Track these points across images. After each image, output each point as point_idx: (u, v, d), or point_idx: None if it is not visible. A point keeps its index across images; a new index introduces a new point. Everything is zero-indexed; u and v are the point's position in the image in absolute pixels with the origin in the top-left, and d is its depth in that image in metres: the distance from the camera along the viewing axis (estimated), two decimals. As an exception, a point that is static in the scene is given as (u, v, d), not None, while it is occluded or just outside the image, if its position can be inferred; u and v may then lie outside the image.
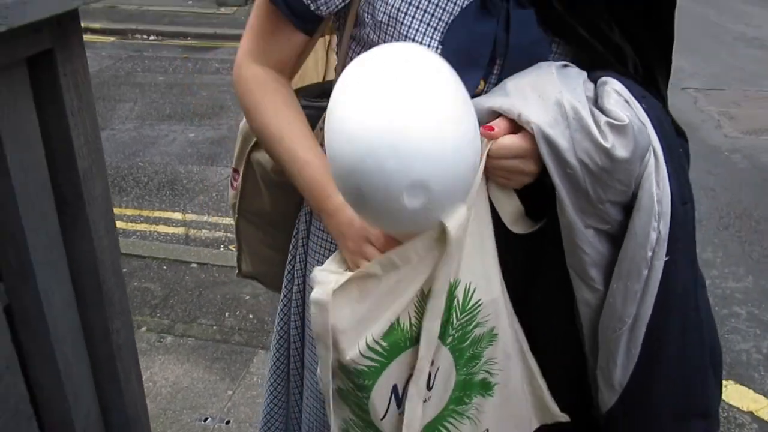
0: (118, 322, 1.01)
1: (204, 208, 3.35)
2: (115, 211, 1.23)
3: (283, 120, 0.80)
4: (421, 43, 0.73)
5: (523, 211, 0.77)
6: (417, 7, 0.73)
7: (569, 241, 0.74)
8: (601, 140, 0.67)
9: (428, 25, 0.73)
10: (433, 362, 0.73)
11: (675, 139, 0.77)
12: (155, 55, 6.14)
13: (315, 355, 0.95)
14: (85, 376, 0.96)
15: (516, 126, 0.69)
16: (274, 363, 1.09)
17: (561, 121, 0.67)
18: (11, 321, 0.79)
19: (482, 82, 0.77)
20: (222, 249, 2.95)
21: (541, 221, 0.78)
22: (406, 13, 0.73)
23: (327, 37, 1.00)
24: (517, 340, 0.82)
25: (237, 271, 1.18)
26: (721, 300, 2.75)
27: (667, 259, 0.72)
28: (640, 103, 0.71)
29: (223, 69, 5.76)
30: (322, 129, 0.77)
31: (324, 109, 0.64)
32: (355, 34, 0.79)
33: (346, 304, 0.68)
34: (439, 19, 0.73)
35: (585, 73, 0.74)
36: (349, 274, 0.69)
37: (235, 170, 1.03)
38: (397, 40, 0.74)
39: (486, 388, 0.82)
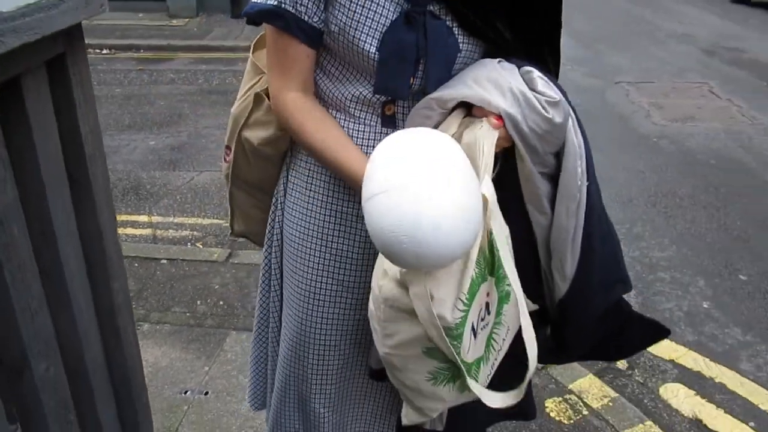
0: (117, 283, 1.21)
1: (169, 210, 3.50)
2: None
3: (324, 133, 1.02)
4: (362, 47, 0.95)
5: None
6: (357, 21, 0.95)
7: (528, 182, 0.98)
8: (544, 113, 0.92)
9: (367, 35, 0.95)
10: (488, 294, 0.94)
11: (570, 104, 1.01)
12: (109, 68, 6.23)
13: (297, 291, 1.17)
14: (93, 326, 1.15)
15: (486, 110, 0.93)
16: (259, 300, 1.31)
17: (515, 103, 0.92)
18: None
19: (411, 78, 1.00)
20: (189, 246, 3.12)
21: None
22: (350, 26, 0.96)
23: None
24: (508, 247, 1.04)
25: (230, 232, 1.38)
26: (648, 267, 3.06)
27: (588, 183, 0.99)
28: (550, 80, 0.96)
29: (178, 79, 5.90)
30: None
31: None
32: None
33: (441, 283, 0.87)
34: (375, 30, 0.95)
35: (515, 66, 0.98)
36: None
37: (228, 147, 1.23)
38: (345, 47, 0.97)
39: (508, 296, 1.00)
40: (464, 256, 0.87)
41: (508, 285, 0.95)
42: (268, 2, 0.97)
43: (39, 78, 0.94)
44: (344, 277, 1.13)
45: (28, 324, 0.94)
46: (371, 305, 0.97)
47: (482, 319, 0.96)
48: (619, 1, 10.75)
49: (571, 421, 2.12)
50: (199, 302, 2.62)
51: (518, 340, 0.98)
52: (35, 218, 0.97)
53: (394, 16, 0.95)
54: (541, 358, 1.15)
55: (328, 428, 1.26)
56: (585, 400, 2.21)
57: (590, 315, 1.10)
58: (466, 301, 0.91)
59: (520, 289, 0.92)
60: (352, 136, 1.05)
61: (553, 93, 0.94)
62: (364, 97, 1.03)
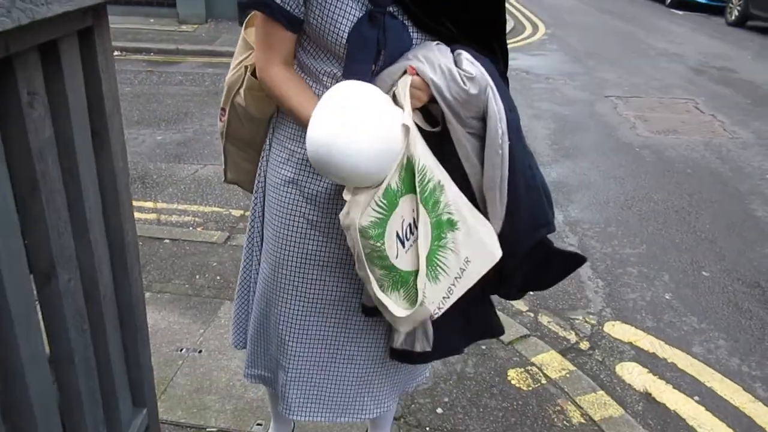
0: (127, 224, 1.43)
1: (173, 198, 3.74)
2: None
3: (296, 96, 1.25)
4: (335, 40, 1.19)
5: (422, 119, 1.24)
6: (331, 18, 1.18)
7: (459, 141, 1.21)
8: (462, 85, 1.15)
9: (338, 30, 1.18)
10: (414, 210, 1.16)
11: (497, 76, 1.22)
12: (120, 68, 6.50)
13: (273, 230, 1.40)
14: (105, 255, 1.38)
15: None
16: (245, 246, 1.54)
17: (442, 75, 1.15)
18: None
19: (373, 66, 1.23)
20: (191, 229, 3.35)
21: (436, 127, 1.25)
22: (325, 22, 1.19)
23: None
24: (459, 193, 1.23)
25: (224, 179, 1.61)
26: (618, 262, 3.27)
27: (510, 143, 1.20)
28: (478, 61, 1.19)
29: (186, 81, 6.16)
30: None
31: None
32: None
33: (362, 192, 1.12)
34: (345, 26, 1.18)
35: (449, 49, 1.21)
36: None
37: (222, 109, 1.46)
38: (321, 37, 1.20)
39: (452, 224, 1.19)
40: (379, 171, 1.09)
41: (449, 213, 1.17)
42: None
43: (72, 43, 1.18)
44: (313, 216, 1.35)
45: (56, 240, 1.17)
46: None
47: (411, 233, 1.17)
48: (615, 21, 11.06)
49: (530, 388, 2.33)
50: (197, 276, 2.84)
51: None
52: (64, 156, 1.20)
53: (360, 14, 1.18)
54: (487, 290, 1.39)
55: (294, 359, 1.48)
56: (545, 372, 2.42)
57: (520, 250, 1.31)
58: (382, 205, 1.13)
59: (476, 224, 1.15)
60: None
61: (473, 70, 1.15)
62: (335, 74, 1.26)
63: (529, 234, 1.30)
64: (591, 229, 3.60)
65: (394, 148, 1.10)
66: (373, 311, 1.33)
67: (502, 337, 2.58)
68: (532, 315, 2.82)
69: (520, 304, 2.87)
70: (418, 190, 1.14)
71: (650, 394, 2.37)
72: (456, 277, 1.25)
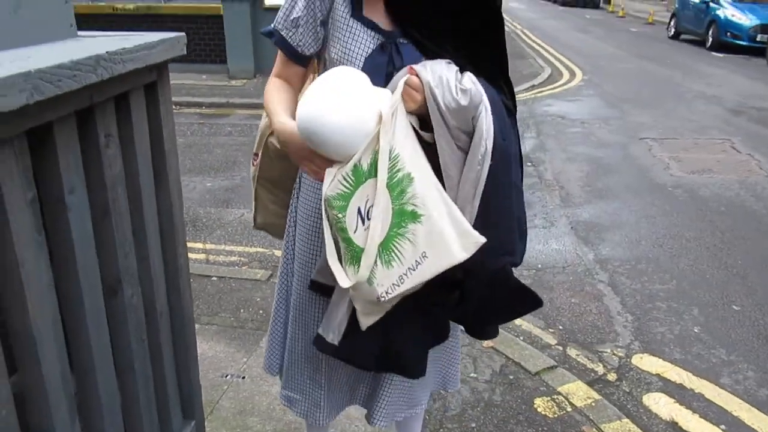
0: (181, 250, 1.64)
1: (221, 240, 3.99)
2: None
3: (270, 102, 1.46)
4: (350, 65, 1.39)
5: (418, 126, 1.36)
6: (350, 50, 1.39)
7: (440, 146, 1.30)
8: (454, 94, 1.27)
9: (354, 59, 1.39)
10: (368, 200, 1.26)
11: (500, 105, 1.35)
12: (175, 121, 6.92)
13: (302, 265, 1.58)
14: (162, 279, 1.58)
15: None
16: (279, 277, 1.72)
17: (438, 81, 1.28)
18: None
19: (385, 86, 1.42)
20: (237, 267, 3.58)
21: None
22: (344, 54, 1.40)
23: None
24: (436, 188, 1.27)
25: (253, 224, 1.81)
26: (647, 297, 3.33)
27: (491, 162, 1.29)
28: (482, 85, 1.31)
29: (235, 132, 6.54)
30: None
31: None
32: (324, 62, 1.47)
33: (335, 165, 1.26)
34: (360, 56, 1.39)
35: (456, 67, 1.33)
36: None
37: (255, 154, 1.67)
38: (341, 65, 1.41)
39: (415, 216, 1.23)
40: (349, 147, 1.23)
41: (414, 205, 1.24)
42: (271, 26, 1.45)
43: (140, 95, 1.41)
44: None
45: (122, 259, 1.38)
46: None
47: (371, 209, 1.26)
48: (653, 65, 11.14)
49: (555, 416, 2.41)
50: (242, 310, 3.05)
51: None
52: (131, 189, 1.42)
53: (373, 47, 1.39)
54: (448, 315, 1.49)
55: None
56: (571, 400, 2.49)
57: (483, 273, 1.33)
58: (349, 180, 1.25)
59: (443, 224, 1.22)
60: None
61: (469, 85, 1.27)
62: None
63: (493, 259, 1.33)
64: (621, 267, 3.67)
65: (364, 128, 1.22)
66: (318, 287, 1.47)
67: (529, 368, 2.68)
68: (560, 348, 2.90)
69: (548, 338, 2.96)
70: (385, 174, 1.24)
71: (677, 423, 2.42)
72: (409, 268, 1.28)
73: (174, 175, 1.60)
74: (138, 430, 1.53)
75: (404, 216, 1.26)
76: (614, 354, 2.85)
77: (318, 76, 1.48)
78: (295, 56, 1.46)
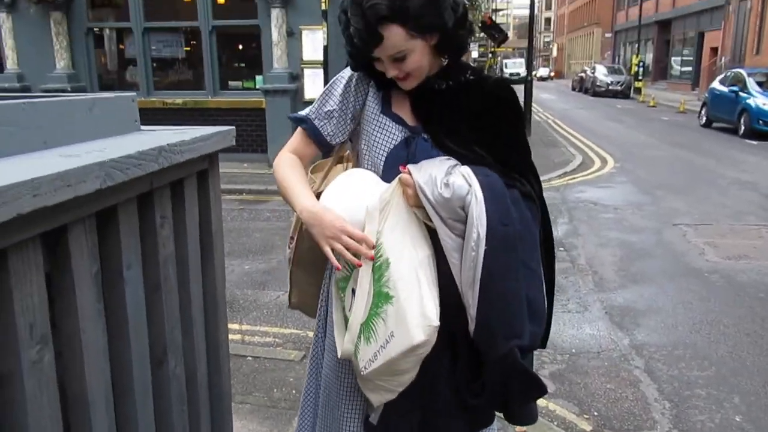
0: (222, 325, 1.74)
1: (257, 321, 4.08)
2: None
3: (289, 178, 1.58)
4: (375, 157, 1.53)
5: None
6: (377, 143, 1.53)
7: (440, 236, 1.39)
8: (439, 189, 1.37)
9: (379, 152, 1.53)
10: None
11: (502, 193, 1.41)
12: (216, 207, 7.24)
13: (332, 341, 1.65)
14: (203, 353, 1.67)
15: None
16: (312, 349, 1.79)
17: (428, 180, 1.39)
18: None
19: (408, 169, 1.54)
20: (272, 348, 3.64)
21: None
22: (372, 146, 1.54)
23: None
24: (416, 272, 1.35)
25: (288, 304, 1.90)
26: (686, 384, 3.26)
27: (487, 248, 1.35)
28: (476, 175, 1.40)
29: (273, 217, 6.77)
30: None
31: None
32: (357, 153, 1.61)
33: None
34: (386, 148, 1.52)
35: (454, 160, 1.46)
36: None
37: (291, 237, 1.79)
38: (368, 159, 1.55)
39: (387, 298, 1.34)
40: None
41: (388, 288, 1.36)
42: (303, 113, 1.61)
43: (193, 181, 1.56)
44: None
45: (168, 333, 1.48)
46: None
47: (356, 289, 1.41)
48: (685, 153, 11.23)
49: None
50: (275, 390, 3.09)
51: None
52: (180, 267, 1.54)
53: (398, 140, 1.52)
54: (463, 396, 1.51)
55: None
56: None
57: (493, 355, 1.37)
58: (350, 265, 1.43)
59: (407, 306, 1.33)
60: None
61: (453, 180, 1.36)
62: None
63: (501, 341, 1.37)
64: (658, 352, 3.62)
65: (353, 218, 1.42)
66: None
67: (564, 454, 2.63)
68: (596, 435, 2.84)
69: (583, 424, 2.91)
70: (376, 267, 1.39)
71: None
72: (381, 346, 1.37)
73: (219, 256, 1.72)
74: (175, 501, 1.58)
75: (381, 297, 1.38)
76: (652, 442, 2.78)
77: (351, 165, 1.62)
78: (323, 144, 1.60)
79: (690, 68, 28.00)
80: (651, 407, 3.05)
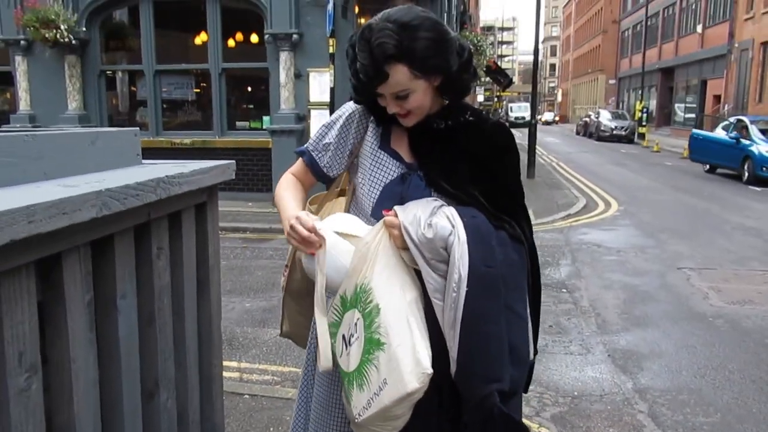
0: (216, 359, 1.74)
1: (256, 359, 4.04)
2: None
3: (284, 196, 1.60)
4: (370, 191, 1.55)
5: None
6: (373, 177, 1.55)
7: (423, 276, 1.39)
8: (422, 230, 1.38)
9: (374, 186, 1.55)
10: (356, 324, 1.39)
11: (488, 235, 1.42)
12: (220, 246, 7.25)
13: (322, 376, 1.64)
14: (197, 386, 1.66)
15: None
16: (302, 383, 1.77)
17: (412, 221, 1.39)
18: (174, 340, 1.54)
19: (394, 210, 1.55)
20: (270, 386, 3.60)
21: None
22: (367, 179, 1.56)
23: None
24: (407, 318, 1.35)
25: (279, 332, 1.90)
26: (691, 430, 3.19)
27: (467, 289, 1.33)
28: (462, 217, 1.41)
29: (276, 255, 6.77)
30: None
31: None
32: (354, 186, 1.63)
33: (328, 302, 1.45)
34: (381, 183, 1.54)
35: (440, 201, 1.47)
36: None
37: (286, 266, 1.80)
38: (364, 193, 1.57)
39: (379, 344, 1.33)
40: (335, 277, 1.43)
41: (379, 334, 1.35)
42: (303, 146, 1.64)
43: (191, 213, 1.58)
44: None
45: (161, 363, 1.47)
46: None
47: (351, 337, 1.40)
48: (689, 197, 11.24)
49: None
50: (272, 429, 3.04)
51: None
52: (175, 298, 1.55)
53: (394, 176, 1.54)
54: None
55: None
56: None
57: (472, 397, 1.36)
58: (338, 309, 1.43)
59: (400, 353, 1.31)
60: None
61: (435, 220, 1.37)
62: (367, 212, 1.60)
63: (480, 384, 1.35)
64: (662, 397, 3.56)
65: (336, 263, 1.42)
66: None
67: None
68: (598, 481, 2.77)
69: (585, 469, 2.85)
70: (360, 306, 1.39)
71: None
72: (375, 393, 1.36)
73: (215, 289, 1.73)
74: None
75: (372, 344, 1.37)
76: (656, 490, 2.71)
77: (348, 196, 1.65)
78: (319, 174, 1.64)
79: (693, 115, 28.25)
80: (654, 453, 2.98)
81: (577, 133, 35.98)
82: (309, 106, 9.33)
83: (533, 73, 14.72)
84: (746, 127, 13.88)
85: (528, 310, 1.52)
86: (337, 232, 1.44)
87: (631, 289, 5.56)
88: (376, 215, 1.54)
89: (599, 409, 3.40)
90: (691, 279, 5.86)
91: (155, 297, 1.43)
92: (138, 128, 1.72)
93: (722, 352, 4.19)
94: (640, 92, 32.03)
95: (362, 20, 8.92)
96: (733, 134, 14.00)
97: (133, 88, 10.74)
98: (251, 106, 10.68)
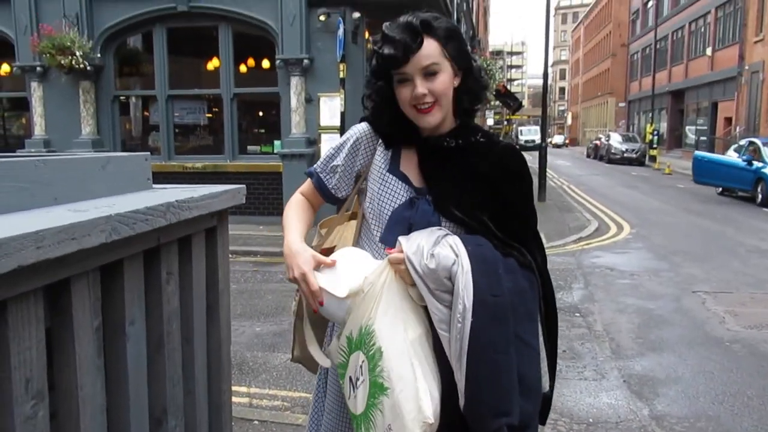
0: (225, 385, 1.71)
1: (266, 384, 4.01)
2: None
3: (289, 216, 1.60)
4: (378, 216, 1.54)
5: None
6: (380, 201, 1.54)
7: (429, 307, 1.37)
8: (425, 261, 1.35)
9: (383, 211, 1.53)
10: (361, 366, 1.37)
11: (494, 263, 1.40)
12: (230, 269, 7.24)
13: (334, 393, 1.61)
14: (205, 413, 1.64)
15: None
16: (312, 410, 1.74)
17: (416, 251, 1.37)
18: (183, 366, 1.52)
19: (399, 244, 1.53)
20: (279, 412, 3.56)
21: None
22: (375, 205, 1.55)
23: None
24: (410, 362, 1.32)
25: (290, 357, 1.87)
26: (709, 459, 3.12)
27: (473, 319, 1.30)
28: (466, 245, 1.38)
29: (286, 279, 6.75)
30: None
31: None
32: (362, 208, 1.62)
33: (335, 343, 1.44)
34: (390, 207, 1.53)
35: (444, 230, 1.45)
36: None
37: (297, 291, 1.78)
38: (373, 217, 1.55)
39: (382, 389, 1.32)
40: (335, 312, 1.44)
41: (382, 378, 1.33)
42: (312, 168, 1.65)
43: (201, 238, 1.57)
44: None
45: (170, 390, 1.45)
46: None
47: (357, 380, 1.38)
48: (701, 220, 11.15)
49: None
50: (280, 455, 3.00)
51: None
52: (184, 324, 1.53)
53: (403, 200, 1.53)
54: None
55: None
56: None
57: (481, 430, 1.34)
58: (344, 351, 1.43)
59: (402, 397, 1.29)
60: (363, 246, 1.61)
61: (438, 250, 1.35)
62: (375, 238, 1.58)
63: (490, 417, 1.33)
64: (679, 424, 3.48)
65: (334, 300, 1.43)
66: None
67: None
68: None
69: (602, 499, 2.77)
70: (364, 349, 1.37)
71: None
72: None
73: (225, 314, 1.71)
74: None
75: (376, 387, 1.35)
76: None
77: (359, 220, 1.63)
78: (326, 195, 1.64)
79: (705, 137, 28.17)
80: (673, 483, 2.91)
81: (588, 156, 35.94)
82: (319, 131, 9.39)
83: (543, 96, 14.76)
84: (758, 149, 13.79)
85: (540, 340, 1.49)
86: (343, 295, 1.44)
87: (646, 313, 5.49)
88: (385, 241, 1.53)
89: (615, 437, 3.32)
90: (707, 303, 5.78)
91: (164, 322, 1.42)
92: (149, 153, 1.72)
93: (740, 377, 4.10)
94: (650, 115, 32.04)
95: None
96: (746, 156, 13.91)
97: (146, 113, 10.87)
98: (262, 131, 10.77)
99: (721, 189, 15.32)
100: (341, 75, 8.92)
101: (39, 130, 10.25)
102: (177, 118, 10.43)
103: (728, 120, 26.34)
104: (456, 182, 1.53)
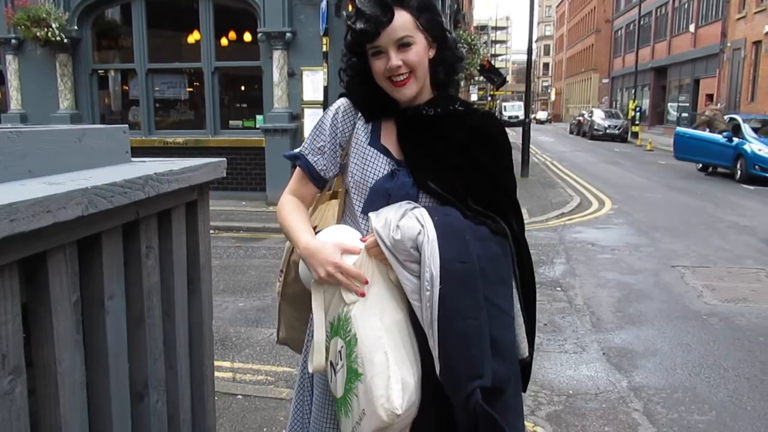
0: (207, 360, 1.71)
1: (249, 359, 4.01)
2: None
3: (291, 219, 1.56)
4: (359, 189, 1.53)
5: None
6: (362, 175, 1.52)
7: (400, 279, 1.38)
8: (391, 233, 1.37)
9: (365, 184, 1.52)
10: (340, 350, 1.38)
11: (462, 230, 1.41)
12: (212, 244, 7.19)
13: (320, 378, 1.61)
14: (188, 387, 1.63)
15: None
16: (298, 383, 1.75)
17: (384, 225, 1.39)
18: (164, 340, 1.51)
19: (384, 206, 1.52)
20: (263, 386, 3.57)
21: None
22: (356, 178, 1.53)
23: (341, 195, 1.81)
24: (383, 349, 1.32)
25: (276, 339, 1.87)
26: (686, 429, 3.19)
27: (440, 286, 1.31)
28: (432, 216, 1.39)
29: (269, 254, 6.74)
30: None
31: None
32: (344, 184, 1.60)
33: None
34: (371, 180, 1.51)
35: (413, 204, 1.45)
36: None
37: (281, 270, 1.77)
38: (355, 191, 1.54)
39: (357, 375, 1.33)
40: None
41: (356, 365, 1.34)
42: (296, 151, 1.60)
43: (181, 212, 1.56)
44: None
45: (151, 365, 1.45)
46: None
47: (336, 365, 1.40)
48: (683, 196, 11.27)
49: None
50: (265, 429, 3.02)
51: None
52: (165, 298, 1.52)
53: (385, 172, 1.52)
54: None
55: None
56: None
57: (458, 397, 1.33)
58: (328, 337, 1.43)
59: (374, 383, 1.30)
60: (346, 221, 1.60)
61: (404, 222, 1.37)
62: (356, 211, 1.57)
63: (463, 381, 1.33)
64: (657, 395, 3.55)
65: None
66: None
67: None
68: (593, 480, 2.76)
69: (580, 468, 2.83)
70: (342, 334, 1.39)
71: None
72: (357, 422, 1.37)
73: (206, 289, 1.70)
74: None
75: (352, 373, 1.37)
76: (651, 489, 2.70)
77: (341, 198, 1.62)
78: (316, 178, 1.60)
79: (686, 114, 28.37)
80: (650, 452, 2.97)
81: (571, 132, 36.04)
82: (302, 105, 9.29)
83: (527, 72, 14.72)
84: (739, 126, 13.92)
85: (516, 305, 1.50)
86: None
87: (626, 288, 5.56)
88: (366, 212, 1.52)
89: (594, 408, 3.39)
90: (686, 277, 5.87)
91: (144, 297, 1.40)
92: (127, 125, 1.68)
93: (717, 349, 4.19)
94: (633, 91, 32.11)
95: (356, 19, 8.88)
96: (726, 132, 14.05)
97: (125, 87, 10.68)
98: (244, 105, 10.63)
99: (701, 165, 15.47)
100: (324, 49, 8.81)
101: (15, 104, 10.03)
102: (157, 93, 10.26)
103: (710, 97, 26.49)
104: (434, 153, 1.53)
